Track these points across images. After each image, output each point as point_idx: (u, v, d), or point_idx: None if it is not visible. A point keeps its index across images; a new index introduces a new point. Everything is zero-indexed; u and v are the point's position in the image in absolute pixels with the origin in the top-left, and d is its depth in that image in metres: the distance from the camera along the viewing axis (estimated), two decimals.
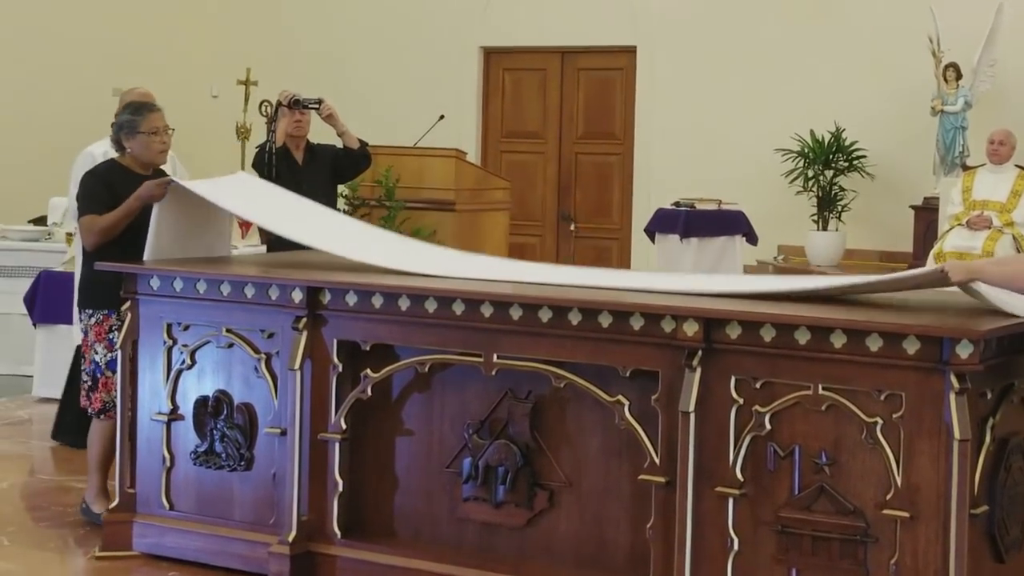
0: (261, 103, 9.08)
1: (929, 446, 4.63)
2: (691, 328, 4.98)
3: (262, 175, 8.03)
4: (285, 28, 15.35)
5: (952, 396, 4.56)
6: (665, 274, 6.14)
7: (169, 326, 6.10)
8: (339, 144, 8.39)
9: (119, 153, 6.60)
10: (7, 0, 13.94)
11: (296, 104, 8.05)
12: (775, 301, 5.24)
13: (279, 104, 8.13)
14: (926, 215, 12.12)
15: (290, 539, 5.71)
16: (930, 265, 10.53)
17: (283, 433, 5.80)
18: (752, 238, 12.29)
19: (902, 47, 12.64)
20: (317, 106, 8.13)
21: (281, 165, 8.06)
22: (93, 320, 6.50)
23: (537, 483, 5.49)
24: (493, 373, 5.45)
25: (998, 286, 4.90)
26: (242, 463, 5.95)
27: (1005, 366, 4.83)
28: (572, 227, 14.60)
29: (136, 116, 6.49)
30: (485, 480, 5.55)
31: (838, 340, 4.78)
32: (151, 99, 7.44)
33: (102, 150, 7.38)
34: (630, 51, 14.37)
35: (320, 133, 8.58)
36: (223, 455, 5.99)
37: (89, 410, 6.55)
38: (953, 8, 12.35)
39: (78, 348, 6.87)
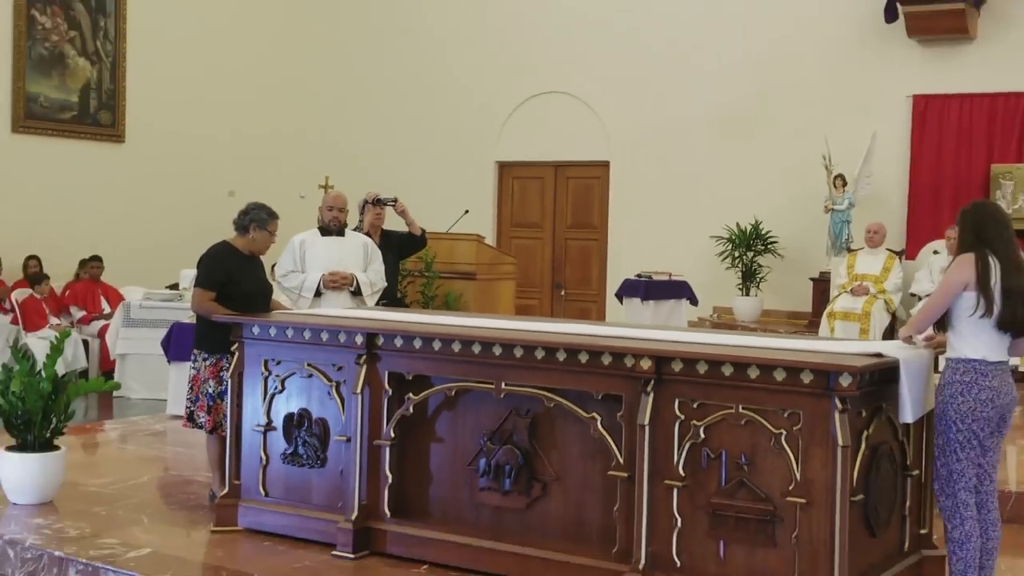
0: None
1: (820, 451, 4.63)
2: (646, 363, 4.99)
3: None
4: (353, 145, 15.47)
5: (837, 414, 4.57)
6: (634, 328, 6.15)
7: (266, 362, 6.11)
8: (404, 228, 8.47)
9: (241, 234, 6.53)
10: (146, 128, 14.05)
11: (379, 202, 8.14)
12: (708, 347, 5.24)
13: (366, 202, 8.19)
14: (821, 285, 12.14)
15: (353, 518, 5.71)
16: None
17: (348, 440, 5.80)
18: (694, 301, 12.31)
19: (803, 162, 12.66)
20: (393, 203, 8.20)
21: None
22: (208, 362, 6.45)
23: (534, 477, 5.47)
24: (501, 396, 5.45)
25: (923, 323, 4.93)
26: (318, 462, 5.93)
27: (876, 393, 4.83)
28: (563, 292, 14.68)
29: (269, 217, 6.49)
30: (496, 475, 5.53)
31: (753, 372, 4.78)
32: (343, 199, 7.60)
33: (300, 239, 7.42)
34: (604, 164, 14.43)
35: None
36: (304, 456, 5.98)
37: (202, 426, 6.49)
38: (840, 134, 12.40)
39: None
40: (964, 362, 4.70)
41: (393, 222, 8.68)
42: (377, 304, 7.81)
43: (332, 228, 7.48)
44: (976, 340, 4.68)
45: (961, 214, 4.85)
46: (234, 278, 6.39)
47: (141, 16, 14.02)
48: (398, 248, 8.43)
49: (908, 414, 4.83)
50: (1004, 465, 7.49)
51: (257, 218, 6.48)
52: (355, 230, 8.12)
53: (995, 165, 12.00)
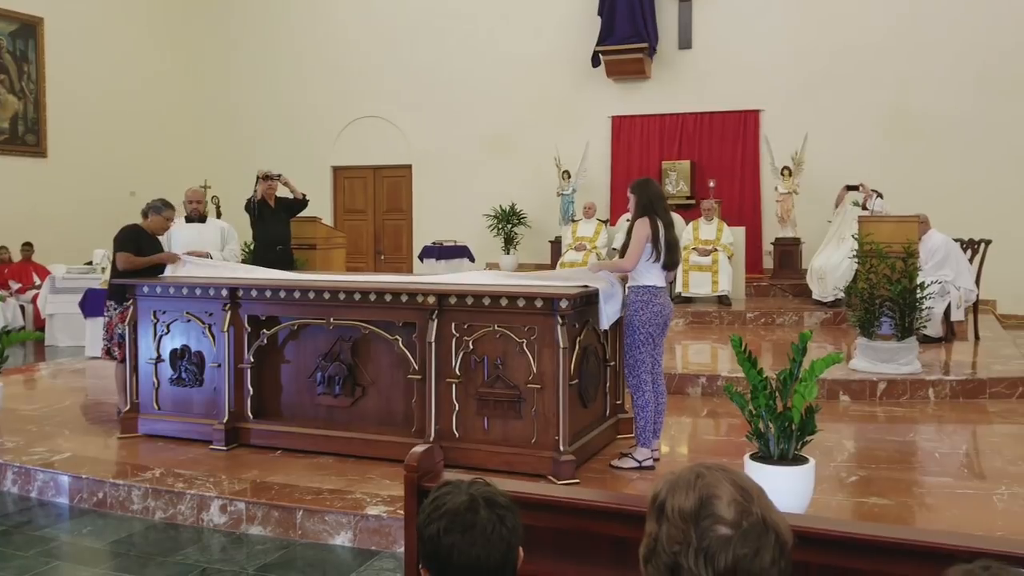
0: (212, 197, 8.79)
1: (549, 352, 4.70)
2: (431, 299, 4.95)
3: (251, 215, 7.72)
4: (226, 152, 14.68)
5: (559, 327, 4.64)
6: (427, 276, 6.06)
7: (155, 312, 5.75)
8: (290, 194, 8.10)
9: (144, 219, 6.24)
10: (63, 146, 13.05)
11: (268, 177, 7.76)
12: (473, 286, 5.22)
13: (259, 177, 7.80)
14: (556, 245, 12.34)
15: (224, 421, 5.47)
16: (562, 269, 10.79)
17: (219, 366, 5.54)
18: (472, 259, 12.33)
19: (542, 163, 12.82)
20: (278, 177, 7.82)
21: (263, 208, 7.69)
22: (117, 311, 6.10)
23: (356, 383, 5.38)
24: (331, 328, 5.32)
25: (609, 269, 4.98)
26: (197, 383, 5.64)
27: (584, 311, 4.93)
28: (382, 257, 14.42)
29: (164, 207, 6.26)
30: (329, 384, 5.41)
31: (504, 301, 4.81)
32: (199, 192, 7.08)
33: (180, 222, 6.79)
34: (408, 167, 14.24)
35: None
36: (187, 379, 5.67)
37: (116, 358, 6.14)
38: (565, 143, 12.62)
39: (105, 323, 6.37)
40: (643, 288, 4.82)
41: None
42: (276, 248, 7.65)
43: (193, 217, 6.91)
44: (649, 274, 4.81)
45: (635, 188, 4.90)
46: (141, 249, 6.09)
47: (55, 62, 12.98)
48: (288, 210, 8.06)
49: (604, 324, 4.95)
50: (672, 356, 7.83)
51: (154, 206, 6.28)
52: (251, 197, 7.73)
53: (665, 162, 12.43)
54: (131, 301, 5.80)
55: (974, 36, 11.14)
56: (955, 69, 11.21)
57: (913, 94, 11.42)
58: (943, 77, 11.26)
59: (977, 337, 8.66)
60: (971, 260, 8.83)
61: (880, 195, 10.06)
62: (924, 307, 6.90)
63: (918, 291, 6.76)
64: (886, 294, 6.75)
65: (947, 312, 8.35)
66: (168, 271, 6.12)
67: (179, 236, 6.71)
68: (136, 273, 5.97)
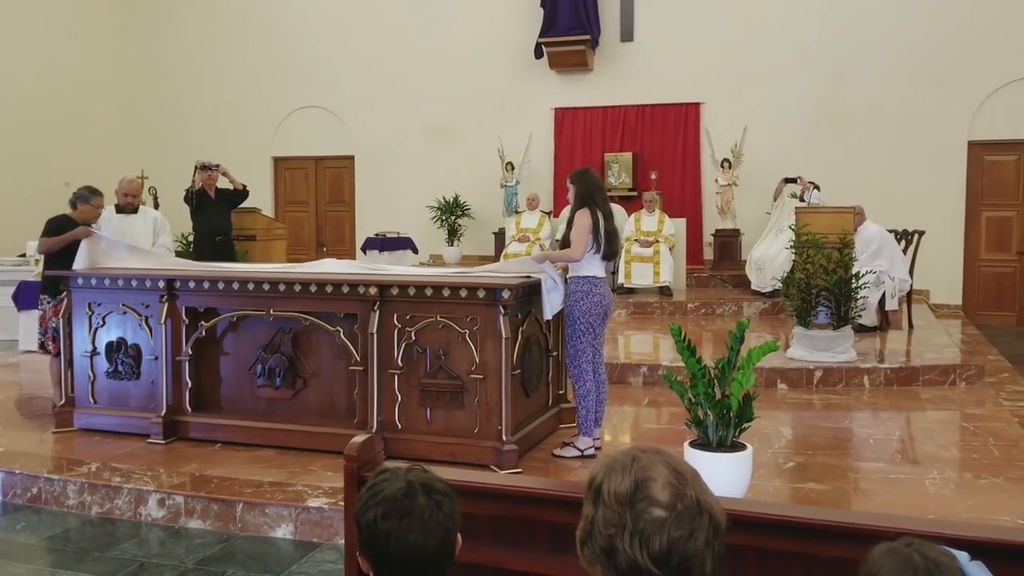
0: (149, 187, 8.57)
1: (492, 342, 4.70)
2: (373, 290, 4.91)
3: (190, 206, 7.64)
4: (165, 144, 14.34)
5: (501, 317, 4.65)
6: (368, 265, 5.94)
7: (90, 304, 5.59)
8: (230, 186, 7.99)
9: (73, 209, 6.09)
10: None
11: (205, 168, 7.66)
12: (415, 277, 5.19)
13: (196, 167, 7.71)
14: (499, 236, 12.31)
15: (162, 414, 5.35)
16: (507, 261, 10.78)
17: (156, 358, 5.42)
18: (415, 250, 12.26)
19: (486, 154, 12.80)
20: (216, 168, 7.72)
21: (202, 199, 7.60)
22: (51, 304, 5.96)
23: (297, 375, 5.31)
24: (271, 319, 5.23)
25: (556, 259, 4.99)
26: (135, 376, 5.51)
27: (526, 302, 4.94)
28: (324, 249, 14.25)
29: (91, 194, 6.14)
30: (269, 376, 5.33)
31: (447, 292, 4.79)
32: (136, 185, 6.76)
33: (110, 211, 6.52)
34: (351, 158, 14.08)
35: None
36: (123, 373, 5.53)
37: (51, 352, 6.00)
38: (509, 135, 12.61)
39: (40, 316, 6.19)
40: (584, 279, 4.84)
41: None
42: (215, 240, 7.56)
43: (126, 209, 6.64)
44: (590, 265, 4.84)
45: (575, 178, 4.92)
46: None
47: None
48: (228, 201, 7.92)
49: (547, 314, 4.97)
50: (615, 346, 7.90)
51: (81, 195, 6.14)
52: (190, 187, 7.64)
53: (607, 154, 12.51)
54: (65, 294, 5.64)
55: (907, 31, 11.44)
56: (889, 63, 11.50)
57: (849, 88, 11.68)
58: (877, 71, 11.54)
59: (911, 326, 8.90)
60: (905, 251, 9.08)
61: (817, 187, 10.27)
62: (859, 297, 7.07)
63: (853, 281, 6.91)
64: (822, 284, 6.90)
65: (882, 302, 8.57)
66: (83, 251, 5.83)
67: (108, 228, 6.45)
68: (65, 262, 5.80)
